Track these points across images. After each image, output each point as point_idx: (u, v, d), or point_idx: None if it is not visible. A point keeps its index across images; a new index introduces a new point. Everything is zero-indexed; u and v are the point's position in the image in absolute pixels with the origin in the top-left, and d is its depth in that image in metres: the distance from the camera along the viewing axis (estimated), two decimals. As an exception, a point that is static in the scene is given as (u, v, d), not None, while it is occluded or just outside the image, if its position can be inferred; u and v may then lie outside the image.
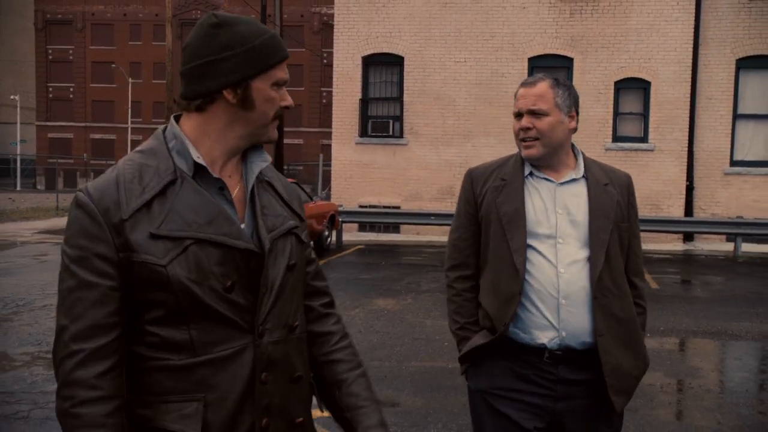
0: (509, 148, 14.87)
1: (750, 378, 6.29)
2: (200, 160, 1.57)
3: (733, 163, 16.55)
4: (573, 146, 2.39)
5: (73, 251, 1.50)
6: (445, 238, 17.05)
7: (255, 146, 1.67)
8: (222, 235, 1.54)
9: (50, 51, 64.47)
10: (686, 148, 16.42)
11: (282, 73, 1.61)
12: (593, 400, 2.28)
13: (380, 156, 17.43)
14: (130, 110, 58.84)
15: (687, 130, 16.42)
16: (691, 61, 16.29)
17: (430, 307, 8.74)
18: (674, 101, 16.42)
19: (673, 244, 16.37)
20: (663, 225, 15.31)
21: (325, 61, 62.28)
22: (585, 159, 2.40)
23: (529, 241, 2.28)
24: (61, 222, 21.44)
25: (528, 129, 2.28)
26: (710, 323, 8.02)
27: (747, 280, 11.61)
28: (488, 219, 2.36)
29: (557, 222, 2.28)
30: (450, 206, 16.76)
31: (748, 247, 15.44)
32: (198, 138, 1.59)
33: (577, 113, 2.34)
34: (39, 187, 55.95)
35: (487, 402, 2.35)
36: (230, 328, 1.56)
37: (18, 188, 48.58)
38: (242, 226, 1.59)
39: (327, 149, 62.00)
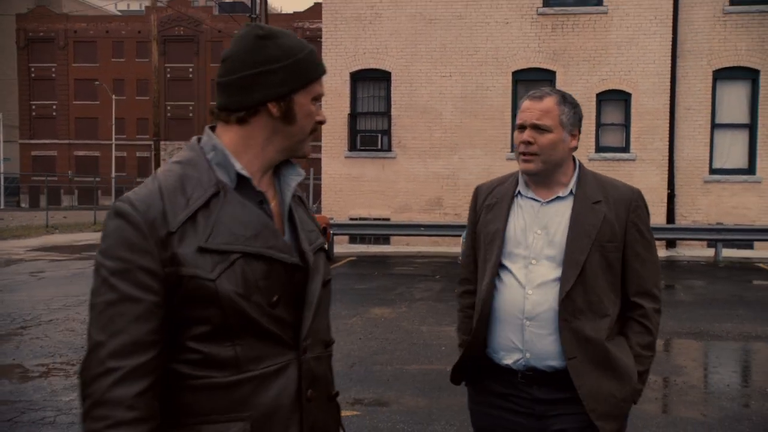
0: (495, 159, 15.31)
1: (731, 375, 6.66)
2: (244, 172, 1.54)
3: (712, 171, 17.03)
4: (574, 160, 2.35)
5: (114, 263, 1.41)
6: (434, 249, 17.39)
7: (287, 160, 1.65)
8: (269, 248, 1.51)
9: (32, 69, 64.51)
10: (667, 157, 16.89)
11: (320, 87, 1.61)
12: (582, 421, 2.20)
13: (369, 169, 17.77)
14: (114, 127, 58.89)
15: (667, 139, 16.90)
16: (669, 72, 16.78)
17: (425, 314, 9.06)
18: (654, 112, 16.90)
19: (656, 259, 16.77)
20: (646, 232, 15.71)
21: (308, 75, 62.72)
22: (582, 175, 2.32)
23: (504, 262, 2.26)
24: (53, 239, 21.59)
25: (529, 143, 2.24)
26: (693, 325, 8.40)
27: (727, 284, 12.02)
28: (479, 237, 2.39)
29: (533, 242, 2.25)
30: (438, 217, 17.13)
31: (728, 253, 15.90)
32: (238, 150, 1.55)
33: (579, 132, 2.31)
34: (23, 205, 55.81)
35: (476, 422, 2.40)
36: (274, 344, 1.52)
37: (2, 206, 48.48)
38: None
39: (314, 163, 62.39)
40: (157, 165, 35.25)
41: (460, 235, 12.79)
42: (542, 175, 2.28)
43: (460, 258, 2.54)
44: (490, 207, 2.37)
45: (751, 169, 16.88)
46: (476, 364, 2.34)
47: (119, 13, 73.54)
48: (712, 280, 12.44)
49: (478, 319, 2.29)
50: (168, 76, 62.39)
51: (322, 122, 1.63)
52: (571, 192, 2.29)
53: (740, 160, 17.03)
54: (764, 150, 16.72)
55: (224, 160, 1.54)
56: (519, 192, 2.33)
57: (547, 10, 17.07)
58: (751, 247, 16.72)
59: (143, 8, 66.93)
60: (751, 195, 16.82)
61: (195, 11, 64.10)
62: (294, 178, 1.64)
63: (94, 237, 22.53)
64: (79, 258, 16.23)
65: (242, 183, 1.54)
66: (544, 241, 2.24)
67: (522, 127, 2.28)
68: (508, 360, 2.24)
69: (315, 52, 1.61)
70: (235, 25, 59.44)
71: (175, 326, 1.46)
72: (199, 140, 1.59)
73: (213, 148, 1.55)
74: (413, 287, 11.44)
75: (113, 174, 55.03)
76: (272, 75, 1.53)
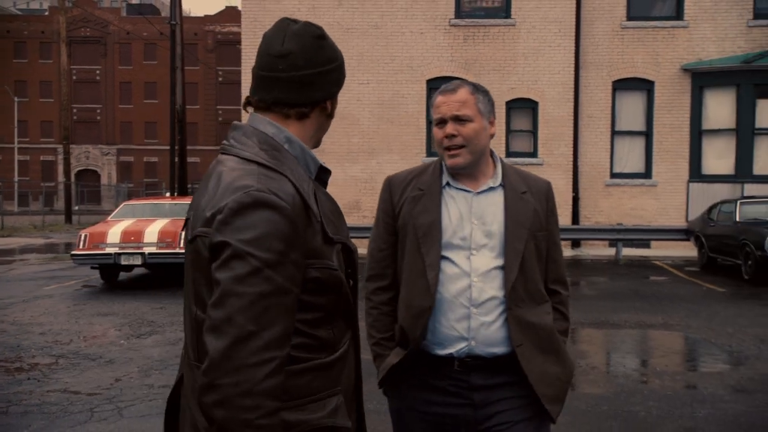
0: (411, 163, 16.06)
1: (628, 357, 7.43)
2: (326, 165, 1.66)
3: (613, 175, 18.14)
4: (492, 153, 2.34)
5: (269, 255, 1.41)
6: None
7: None
8: (347, 238, 1.65)
9: (-72, 70, 61.65)
10: (571, 162, 17.89)
11: None
12: (519, 408, 2.21)
13: (288, 174, 18.08)
14: (16, 129, 56.86)
15: (572, 145, 17.90)
16: (573, 82, 17.79)
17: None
18: (560, 119, 17.89)
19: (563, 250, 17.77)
20: (553, 233, 16.62)
21: (220, 79, 62.18)
22: (504, 166, 2.33)
23: (444, 253, 2.22)
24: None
25: (453, 136, 2.20)
26: (595, 316, 9.18)
27: (626, 279, 12.97)
28: (405, 230, 2.30)
29: (472, 232, 2.22)
30: (357, 220, 17.63)
31: (627, 251, 16.97)
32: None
33: (494, 118, 2.30)
34: None
35: (404, 420, 2.33)
36: (346, 324, 1.65)
37: None
38: None
39: (225, 167, 61.45)
40: (67, 168, 34.42)
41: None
42: (470, 167, 2.25)
43: (369, 255, 2.43)
44: (415, 199, 2.29)
45: (647, 174, 18.06)
46: (414, 361, 2.27)
47: (19, 13, 70.88)
48: (613, 277, 13.38)
49: (415, 315, 2.23)
50: (74, 78, 60.70)
51: None
52: (501, 183, 2.28)
53: (638, 165, 18.18)
54: (659, 156, 17.92)
55: (301, 153, 1.61)
56: (447, 183, 2.29)
57: (459, 21, 17.84)
58: (648, 246, 17.90)
59: (45, 7, 64.74)
60: (647, 197, 18.01)
61: (102, 12, 62.61)
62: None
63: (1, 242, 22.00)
64: (-7, 264, 15.94)
65: (317, 175, 1.64)
66: (482, 231, 2.23)
67: (442, 122, 2.23)
68: (451, 349, 2.21)
69: None
70: (144, 27, 58.48)
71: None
72: (262, 133, 1.60)
73: (287, 141, 1.60)
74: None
75: (16, 178, 53.14)
76: (330, 74, 1.64)
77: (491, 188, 2.27)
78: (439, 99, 2.25)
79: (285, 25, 1.64)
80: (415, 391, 2.29)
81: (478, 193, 2.27)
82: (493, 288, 2.20)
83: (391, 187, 2.37)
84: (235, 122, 1.66)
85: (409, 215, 2.28)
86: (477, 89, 2.25)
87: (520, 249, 2.21)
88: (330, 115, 1.70)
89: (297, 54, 1.59)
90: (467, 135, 2.20)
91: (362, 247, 17.97)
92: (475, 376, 2.22)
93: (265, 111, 1.63)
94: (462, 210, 2.26)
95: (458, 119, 2.20)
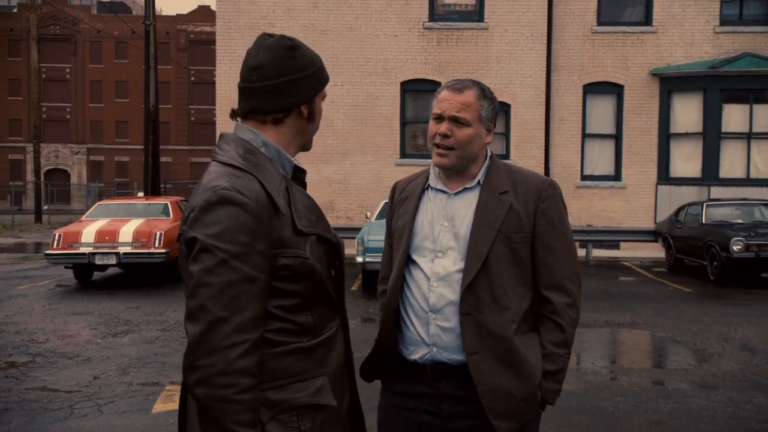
0: (384, 165, 16.13)
1: (597, 355, 7.64)
2: (300, 165, 1.81)
3: (583, 177, 18.40)
4: (487, 154, 2.29)
5: (233, 247, 1.55)
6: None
7: None
8: (326, 231, 1.78)
9: None
10: (543, 164, 18.12)
11: (325, 89, 1.86)
12: (483, 423, 2.13)
13: (263, 174, 18.12)
14: (-16, 128, 56.08)
15: (543, 147, 18.13)
16: (545, 86, 18.02)
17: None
18: (531, 122, 18.13)
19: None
20: (524, 234, 16.84)
21: (192, 78, 61.84)
22: (492, 165, 2.26)
23: (413, 256, 2.21)
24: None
25: (446, 136, 2.15)
26: (566, 315, 9.38)
27: (596, 280, 13.22)
28: (393, 233, 2.35)
29: (440, 235, 2.19)
30: (331, 220, 17.70)
31: (597, 252, 17.28)
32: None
33: (495, 126, 2.25)
34: None
35: (387, 419, 2.32)
36: (331, 311, 1.79)
37: None
38: None
39: (197, 167, 61.36)
40: (37, 167, 34.07)
41: (352, 238, 13.37)
42: (455, 169, 2.21)
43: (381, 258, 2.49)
44: (401, 202, 2.32)
45: (617, 176, 18.36)
46: (387, 361, 2.28)
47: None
48: (583, 278, 13.44)
49: (385, 315, 2.25)
50: (44, 76, 59.99)
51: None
52: (478, 182, 2.22)
53: (608, 168, 18.46)
54: (628, 159, 18.23)
55: (277, 154, 1.76)
56: (429, 185, 2.28)
57: (432, 24, 18.03)
58: (617, 247, 18.21)
59: (14, 4, 63.87)
60: (617, 199, 18.32)
61: (72, 10, 61.90)
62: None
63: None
64: (-37, 264, 15.80)
65: (293, 174, 1.79)
66: (450, 233, 2.18)
67: (440, 118, 2.18)
68: (416, 355, 2.18)
69: (321, 59, 1.87)
70: (115, 25, 57.97)
71: (272, 301, 1.65)
72: (238, 139, 1.76)
73: (263, 144, 1.75)
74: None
75: (-16, 177, 52.41)
76: (302, 82, 1.76)
77: (467, 189, 2.22)
78: (443, 94, 2.19)
79: (261, 39, 1.79)
80: (392, 393, 2.29)
81: (454, 194, 2.23)
82: (453, 292, 2.14)
83: (394, 191, 2.41)
84: (222, 132, 1.83)
85: (395, 218, 2.33)
86: (484, 95, 2.20)
87: (483, 252, 2.12)
88: (310, 119, 1.82)
89: (268, 65, 1.73)
90: (460, 139, 2.15)
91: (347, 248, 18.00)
92: (446, 383, 2.16)
93: (245, 119, 1.79)
94: (435, 212, 2.23)
95: (456, 120, 2.15)
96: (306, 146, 1.87)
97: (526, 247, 2.18)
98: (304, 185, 1.83)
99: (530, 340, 2.16)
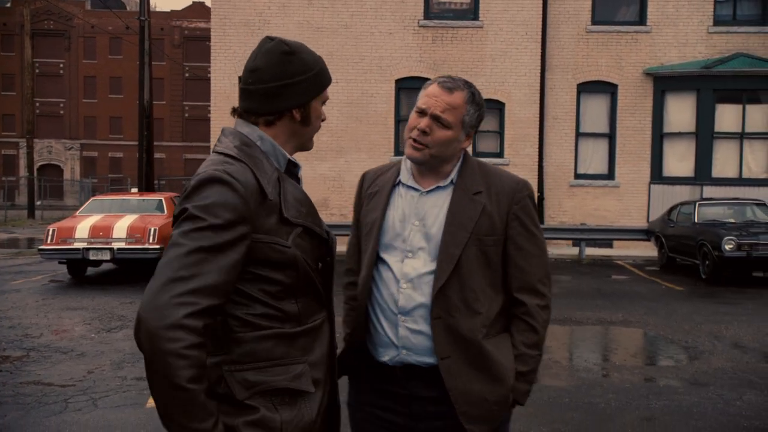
0: (379, 162, 16.16)
1: (589, 352, 7.69)
2: (294, 159, 1.86)
3: (577, 176, 18.48)
4: (463, 155, 2.23)
5: (215, 219, 1.60)
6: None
7: None
8: (316, 225, 1.82)
9: None
10: (537, 163, 18.19)
11: (327, 92, 1.89)
12: (454, 424, 2.10)
13: (257, 171, 18.13)
14: (-23, 123, 55.86)
15: (537, 146, 18.20)
16: (539, 84, 18.09)
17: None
18: (526, 120, 18.19)
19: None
20: (518, 232, 16.91)
21: (186, 74, 61.74)
22: (466, 164, 2.20)
23: (383, 255, 2.16)
24: None
25: (425, 133, 2.09)
26: (559, 313, 9.42)
27: (589, 278, 13.28)
28: (360, 226, 2.28)
29: (410, 234, 2.13)
30: (325, 218, 17.73)
31: (590, 251, 17.32)
32: None
33: (476, 132, 2.22)
34: None
35: (353, 418, 2.31)
36: (317, 303, 1.84)
37: None
38: None
39: (190, 164, 61.31)
40: (30, 163, 34.02)
41: (346, 235, 13.36)
42: (426, 166, 2.15)
43: (347, 248, 2.43)
44: (371, 195, 2.25)
45: (610, 175, 18.44)
46: (357, 358, 2.24)
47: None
48: (576, 276, 13.68)
49: (356, 314, 2.22)
50: (37, 71, 59.77)
51: (324, 119, 1.92)
52: (451, 182, 2.17)
53: (601, 167, 18.54)
54: (622, 158, 18.32)
55: (272, 148, 1.82)
56: (400, 181, 2.21)
57: (427, 22, 18.06)
58: (610, 245, 18.29)
59: (9, -1, 63.61)
60: (610, 198, 18.39)
61: (66, 5, 61.66)
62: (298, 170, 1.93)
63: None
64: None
65: (287, 168, 1.84)
66: (421, 234, 2.13)
67: (422, 113, 2.11)
68: (385, 357, 2.15)
69: (324, 62, 1.89)
70: (109, 20, 57.84)
71: (255, 285, 1.70)
72: (238, 133, 1.82)
73: (260, 138, 1.81)
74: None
75: (-23, 173, 52.21)
76: (296, 86, 1.81)
77: (439, 187, 2.16)
78: (432, 89, 2.12)
79: (262, 43, 1.85)
80: (363, 391, 2.26)
81: (426, 192, 2.17)
82: (423, 295, 2.09)
83: (362, 182, 2.34)
84: (224, 127, 1.89)
85: (364, 212, 2.27)
86: (473, 100, 2.13)
87: (455, 254, 2.07)
88: (304, 123, 1.86)
89: (263, 69, 1.79)
90: (438, 139, 2.09)
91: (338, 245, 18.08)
92: (415, 384, 2.13)
93: (241, 117, 1.86)
94: (406, 210, 2.17)
95: (438, 120, 2.08)
96: (304, 147, 1.92)
97: (498, 250, 2.14)
98: (298, 180, 1.88)
99: (501, 341, 2.14)
